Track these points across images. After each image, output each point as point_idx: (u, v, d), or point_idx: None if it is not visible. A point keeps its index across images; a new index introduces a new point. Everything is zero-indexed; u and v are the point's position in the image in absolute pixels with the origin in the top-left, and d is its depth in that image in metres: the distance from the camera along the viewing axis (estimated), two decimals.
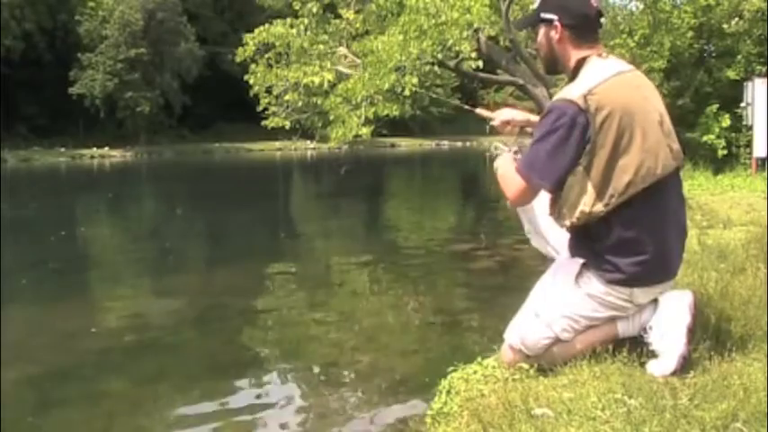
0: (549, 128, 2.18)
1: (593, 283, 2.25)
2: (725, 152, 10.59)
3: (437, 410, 2.38)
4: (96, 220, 14.19)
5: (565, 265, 2.35)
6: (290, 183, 25.54)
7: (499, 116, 2.68)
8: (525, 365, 2.38)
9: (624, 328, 2.32)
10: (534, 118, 2.58)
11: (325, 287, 6.93)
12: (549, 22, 2.31)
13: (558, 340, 2.30)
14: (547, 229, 2.50)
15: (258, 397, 3.91)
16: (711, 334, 2.37)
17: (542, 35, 2.36)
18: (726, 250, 4.00)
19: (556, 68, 2.40)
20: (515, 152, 2.47)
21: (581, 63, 2.28)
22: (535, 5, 2.42)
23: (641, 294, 2.26)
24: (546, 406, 2.02)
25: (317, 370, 4.30)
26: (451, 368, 2.57)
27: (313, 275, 7.63)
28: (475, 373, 2.48)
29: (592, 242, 2.25)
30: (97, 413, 3.70)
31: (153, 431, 3.57)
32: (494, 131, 2.71)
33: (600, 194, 2.16)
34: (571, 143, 2.16)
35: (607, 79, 2.19)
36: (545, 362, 2.32)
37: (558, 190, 2.25)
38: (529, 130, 2.58)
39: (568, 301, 2.28)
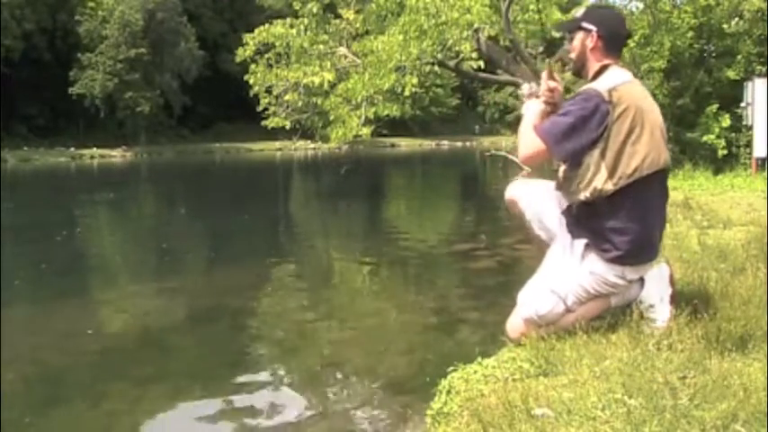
0: (575, 106, 2.55)
1: (595, 262, 2.62)
2: (725, 152, 10.60)
3: (437, 410, 2.38)
4: (96, 220, 14.18)
5: (570, 246, 2.68)
6: (290, 183, 25.51)
7: (552, 82, 2.84)
8: (526, 365, 2.41)
9: (616, 301, 2.73)
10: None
11: (325, 287, 6.93)
12: (588, 31, 2.67)
13: (567, 311, 2.65)
14: (544, 215, 2.82)
15: (257, 397, 3.90)
16: (711, 334, 2.37)
17: (579, 40, 2.71)
18: (726, 250, 4.01)
19: (582, 72, 2.75)
20: (537, 95, 2.80)
21: (604, 69, 2.65)
22: (579, 14, 2.78)
23: (631, 272, 2.64)
24: (546, 406, 2.02)
25: (316, 370, 4.29)
26: (451, 368, 2.57)
27: (313, 275, 7.62)
28: (475, 373, 2.49)
29: (593, 223, 2.60)
30: (97, 413, 3.70)
31: (153, 431, 3.57)
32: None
33: (611, 174, 2.52)
34: (590, 125, 2.51)
35: (626, 82, 2.60)
36: (553, 330, 2.62)
37: (566, 163, 2.62)
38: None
39: (576, 277, 2.64)
